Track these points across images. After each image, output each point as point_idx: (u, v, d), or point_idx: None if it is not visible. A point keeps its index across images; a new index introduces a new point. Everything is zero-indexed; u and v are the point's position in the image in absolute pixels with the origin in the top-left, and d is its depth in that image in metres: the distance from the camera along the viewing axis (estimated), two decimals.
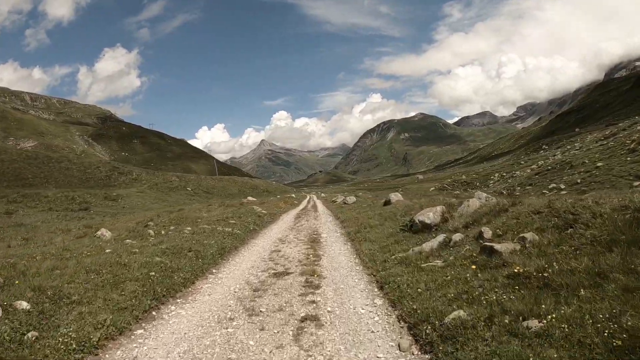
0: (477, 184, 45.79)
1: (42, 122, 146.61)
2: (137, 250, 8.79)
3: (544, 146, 70.21)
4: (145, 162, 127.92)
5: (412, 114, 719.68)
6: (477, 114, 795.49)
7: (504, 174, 44.57)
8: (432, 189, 52.83)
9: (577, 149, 40.15)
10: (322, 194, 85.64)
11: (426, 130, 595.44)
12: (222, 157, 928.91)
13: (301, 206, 31.82)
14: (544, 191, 25.82)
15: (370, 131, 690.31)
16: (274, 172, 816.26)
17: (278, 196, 61.00)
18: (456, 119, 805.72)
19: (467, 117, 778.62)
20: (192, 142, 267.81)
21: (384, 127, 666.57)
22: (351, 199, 27.88)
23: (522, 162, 49.32)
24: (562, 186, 25.12)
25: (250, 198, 45.70)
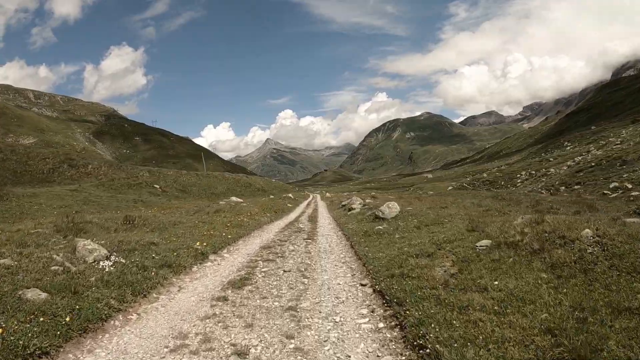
0: (502, 182, 41.74)
1: (42, 119, 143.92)
2: None
3: (565, 143, 66.06)
4: (146, 160, 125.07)
5: (418, 113, 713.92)
6: (483, 113, 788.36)
7: (533, 172, 40.49)
8: (449, 188, 48.88)
9: (617, 144, 36.06)
10: (327, 194, 76.28)
11: (432, 129, 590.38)
12: (227, 155, 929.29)
13: (291, 216, 21.19)
14: (604, 192, 21.77)
15: (376, 130, 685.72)
16: (279, 171, 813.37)
17: (271, 196, 53.75)
18: (462, 119, 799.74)
19: (473, 117, 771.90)
20: (198, 141, 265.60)
21: (389, 126, 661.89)
22: (391, 208, 13.86)
23: (552, 159, 45.20)
24: (629, 185, 21.01)
25: (234, 199, 39.19)
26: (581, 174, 28.73)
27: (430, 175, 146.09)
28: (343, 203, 25.93)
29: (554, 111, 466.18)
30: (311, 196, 65.74)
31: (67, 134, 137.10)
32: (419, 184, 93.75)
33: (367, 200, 22.05)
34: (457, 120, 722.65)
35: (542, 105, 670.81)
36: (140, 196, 44.90)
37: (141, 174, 60.76)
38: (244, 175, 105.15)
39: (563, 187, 26.72)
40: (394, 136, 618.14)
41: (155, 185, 54.02)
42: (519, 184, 37.90)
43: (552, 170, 36.43)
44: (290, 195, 52.19)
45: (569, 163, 36.23)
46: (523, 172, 42.35)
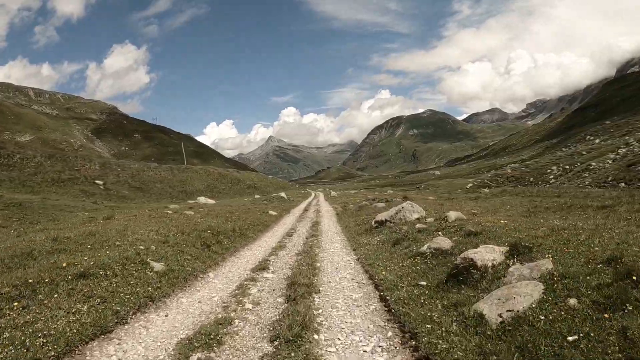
0: (531, 179, 38.01)
1: (41, 117, 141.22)
2: None
3: (588, 136, 62.48)
4: (145, 157, 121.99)
5: (421, 110, 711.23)
6: (486, 110, 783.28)
7: (567, 167, 36.79)
8: (469, 185, 45.10)
9: None
10: (333, 192, 66.47)
11: (435, 126, 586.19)
12: (230, 153, 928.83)
13: (231, 275, 7.91)
14: None
15: (379, 127, 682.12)
16: (282, 168, 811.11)
17: (257, 196, 44.95)
18: (465, 116, 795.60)
19: (476, 114, 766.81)
20: (200, 138, 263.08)
21: (392, 124, 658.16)
22: None
23: (584, 153, 41.52)
24: None
25: (202, 199, 33.04)
26: (639, 167, 25.09)
27: (437, 172, 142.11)
28: (380, 218, 12.24)
29: (557, 108, 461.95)
30: (312, 195, 55.96)
31: (65, 131, 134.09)
32: (429, 181, 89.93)
33: (452, 215, 10.09)
34: (460, 118, 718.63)
35: (545, 102, 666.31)
36: (50, 196, 33.64)
37: (87, 167, 50.54)
38: (235, 170, 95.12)
39: (623, 184, 23.06)
40: (397, 133, 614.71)
41: (98, 182, 44.99)
42: (552, 179, 34.23)
43: (593, 164, 32.72)
44: (282, 194, 40.87)
45: (611, 156, 32.64)
46: (554, 167, 38.64)
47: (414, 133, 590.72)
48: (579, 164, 35.43)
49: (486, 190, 28.84)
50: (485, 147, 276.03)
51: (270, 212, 20.14)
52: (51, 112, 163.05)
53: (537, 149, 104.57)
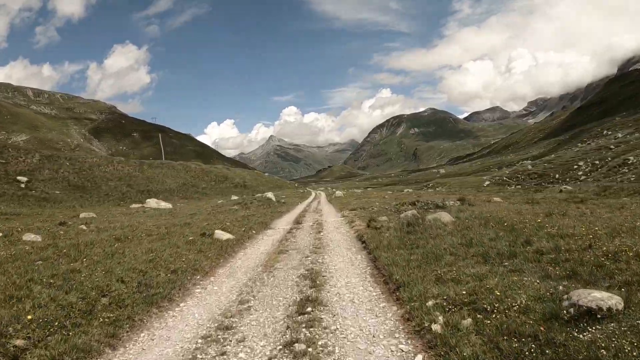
0: (556, 175, 35.37)
1: (38, 117, 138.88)
2: None
3: (604, 131, 60.12)
4: (144, 156, 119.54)
5: (422, 109, 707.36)
6: (487, 109, 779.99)
7: (596, 162, 34.19)
8: (486, 183, 42.45)
9: None
10: (338, 192, 55.75)
11: (436, 125, 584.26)
12: (231, 153, 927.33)
13: None
14: None
15: (380, 126, 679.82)
16: (283, 167, 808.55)
17: (234, 197, 36.49)
18: (466, 115, 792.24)
19: (477, 113, 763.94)
20: (201, 138, 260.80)
21: (393, 122, 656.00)
22: None
23: (612, 147, 38.92)
24: None
25: (152, 202, 27.42)
26: None
27: (442, 171, 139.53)
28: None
29: (559, 107, 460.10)
30: (312, 195, 47.95)
31: (62, 130, 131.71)
32: (435, 180, 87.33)
33: None
34: (461, 117, 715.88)
35: (547, 100, 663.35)
36: None
37: (20, 159, 41.98)
38: (224, 166, 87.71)
39: None
40: (398, 132, 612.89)
41: (20, 178, 36.62)
42: (582, 176, 31.65)
43: (631, 158, 30.16)
44: (269, 195, 29.74)
45: None
46: (581, 163, 36.01)
47: (415, 132, 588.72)
48: (610, 158, 32.90)
49: (566, 187, 24.19)
50: (488, 146, 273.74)
51: (219, 234, 10.16)
52: (50, 112, 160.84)
53: (545, 146, 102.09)
